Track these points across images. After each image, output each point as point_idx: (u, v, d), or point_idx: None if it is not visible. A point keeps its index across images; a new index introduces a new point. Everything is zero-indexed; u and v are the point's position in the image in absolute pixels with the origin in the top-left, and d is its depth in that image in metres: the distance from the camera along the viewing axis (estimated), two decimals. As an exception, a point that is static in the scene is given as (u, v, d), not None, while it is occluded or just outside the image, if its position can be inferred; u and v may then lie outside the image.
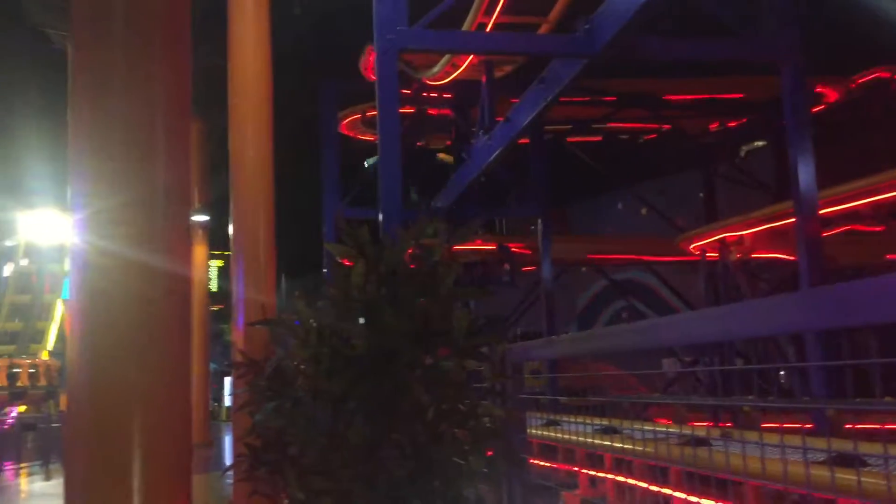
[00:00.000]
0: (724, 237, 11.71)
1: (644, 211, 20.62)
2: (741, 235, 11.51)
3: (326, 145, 17.17)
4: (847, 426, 6.85)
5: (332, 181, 16.92)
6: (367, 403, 2.69)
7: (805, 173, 8.30)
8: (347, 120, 17.74)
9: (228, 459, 21.51)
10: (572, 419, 5.73)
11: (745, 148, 19.08)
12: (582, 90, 15.43)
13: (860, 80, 16.74)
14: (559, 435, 7.18)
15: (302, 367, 2.87)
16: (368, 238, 2.93)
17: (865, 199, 10.33)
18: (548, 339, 3.16)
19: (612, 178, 19.05)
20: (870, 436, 6.08)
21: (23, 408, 25.26)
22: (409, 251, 2.99)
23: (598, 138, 18.82)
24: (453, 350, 2.84)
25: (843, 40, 16.29)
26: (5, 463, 20.07)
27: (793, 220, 9.00)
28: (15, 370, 28.31)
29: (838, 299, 1.64)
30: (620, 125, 18.26)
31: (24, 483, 17.52)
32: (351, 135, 18.29)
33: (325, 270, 18.43)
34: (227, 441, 28.98)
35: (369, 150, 16.94)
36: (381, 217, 7.94)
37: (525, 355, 3.50)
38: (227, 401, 49.55)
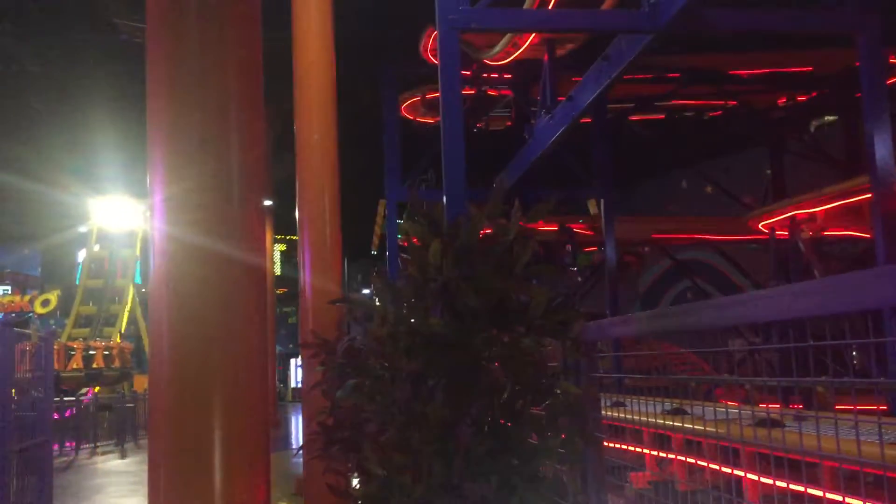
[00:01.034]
0: (795, 214, 11.40)
1: (709, 189, 20.22)
2: (813, 212, 11.20)
3: (388, 129, 17.24)
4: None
5: (394, 165, 17.00)
6: (446, 381, 2.71)
7: (882, 146, 8.02)
8: (407, 103, 17.78)
9: (295, 439, 21.96)
10: (639, 399, 5.68)
11: (814, 123, 18.53)
12: (645, 67, 15.17)
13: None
14: (626, 416, 7.11)
15: (377, 346, 2.90)
16: (443, 217, 2.94)
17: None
18: (625, 316, 3.13)
19: (676, 156, 18.72)
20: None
21: (98, 389, 26.15)
22: (484, 230, 3.00)
23: (662, 116, 18.49)
24: (530, 328, 2.83)
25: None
26: (83, 442, 20.83)
27: (868, 195, 8.72)
28: (90, 352, 29.30)
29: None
30: (685, 102, 17.89)
31: (100, 462, 18.17)
32: (411, 118, 18.32)
33: (387, 254, 18.55)
34: (294, 421, 29.58)
35: (430, 133, 16.96)
36: (444, 199, 7.94)
37: (600, 333, 3.47)
38: (294, 382, 50.51)
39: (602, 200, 13.71)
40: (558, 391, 2.94)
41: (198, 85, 3.69)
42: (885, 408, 7.80)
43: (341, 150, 10.59)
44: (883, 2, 8.73)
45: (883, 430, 2.22)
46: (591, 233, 15.83)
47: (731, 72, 16.25)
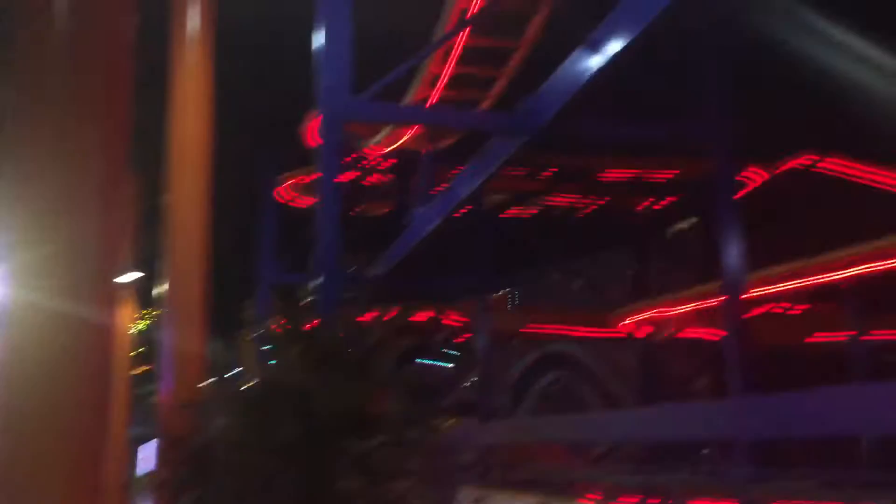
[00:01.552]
0: (653, 315, 11.92)
1: (577, 285, 20.90)
2: (669, 314, 11.74)
3: (265, 210, 17.04)
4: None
5: (268, 245, 16.74)
6: (296, 490, 2.61)
7: (732, 255, 8.55)
8: (286, 185, 17.69)
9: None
10: (502, 495, 5.67)
11: (676, 226, 19.60)
12: (521, 164, 15.72)
13: (784, 166, 17.47)
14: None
15: (225, 453, 2.77)
16: (301, 314, 2.89)
17: (789, 282, 10.69)
18: (483, 425, 3.12)
19: (547, 251, 19.31)
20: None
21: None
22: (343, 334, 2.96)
23: (534, 211, 19.12)
24: (388, 436, 2.79)
25: (769, 127, 17.07)
26: None
27: (720, 300, 9.23)
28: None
29: (768, 410, 1.66)
30: (556, 199, 18.61)
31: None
32: (287, 199, 18.20)
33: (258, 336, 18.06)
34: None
35: (306, 215, 16.86)
36: (315, 284, 7.87)
37: (461, 441, 3.46)
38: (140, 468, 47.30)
39: (477, 292, 13.92)
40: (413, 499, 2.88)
41: (55, 147, 3.53)
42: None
43: (214, 228, 10.33)
44: (738, 117, 9.43)
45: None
46: (464, 322, 15.98)
47: (600, 174, 17.10)
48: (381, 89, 8.60)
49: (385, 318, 2.99)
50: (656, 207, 18.88)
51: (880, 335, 11.13)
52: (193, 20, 9.13)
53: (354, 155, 14.70)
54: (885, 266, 9.45)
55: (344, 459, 2.78)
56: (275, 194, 17.41)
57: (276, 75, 13.94)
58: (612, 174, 17.15)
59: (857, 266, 9.85)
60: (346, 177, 16.53)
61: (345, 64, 7.74)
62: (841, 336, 10.59)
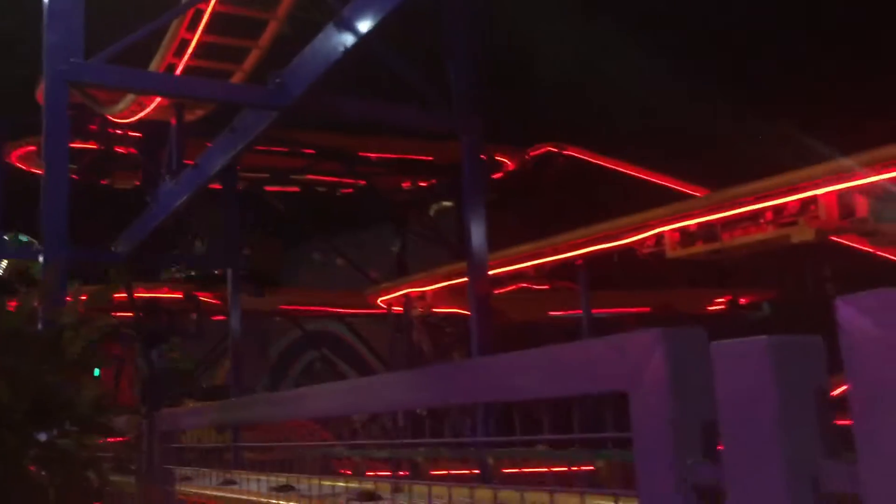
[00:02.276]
0: (408, 292, 12.21)
1: (340, 262, 20.93)
2: (423, 291, 12.08)
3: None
4: (504, 471, 7.37)
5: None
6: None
7: (477, 235, 8.91)
8: (19, 151, 16.08)
9: None
10: (250, 477, 5.51)
11: (434, 207, 20.20)
12: (280, 141, 15.44)
13: (534, 153, 18.61)
14: (234, 496, 6.89)
15: None
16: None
17: (531, 261, 11.39)
18: (196, 407, 3.00)
19: (309, 229, 19.17)
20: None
21: None
22: (35, 309, 2.70)
23: (296, 189, 18.91)
24: (79, 425, 2.58)
25: (522, 115, 18.07)
26: None
27: (466, 278, 9.62)
28: None
29: (442, 379, 1.71)
30: (318, 177, 18.51)
31: None
32: (24, 167, 16.58)
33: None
34: None
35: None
36: (41, 259, 7.23)
37: (174, 423, 3.29)
38: None
39: (230, 271, 13.48)
40: (112, 491, 2.70)
41: None
42: (478, 472, 8.44)
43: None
44: (484, 107, 9.82)
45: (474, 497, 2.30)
46: (219, 302, 15.44)
47: (361, 153, 17.21)
48: (122, 53, 8.00)
49: (82, 296, 2.75)
50: (417, 188, 19.36)
51: (607, 310, 12.19)
52: None
53: (98, 120, 13.66)
54: (611, 245, 10.32)
55: (31, 449, 2.54)
56: (7, 160, 15.79)
57: (10, 34, 12.63)
58: (373, 154, 17.32)
59: (589, 246, 10.67)
60: (90, 145, 15.35)
61: (74, 21, 7.12)
62: (576, 311, 11.44)
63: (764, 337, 1.03)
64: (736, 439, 1.07)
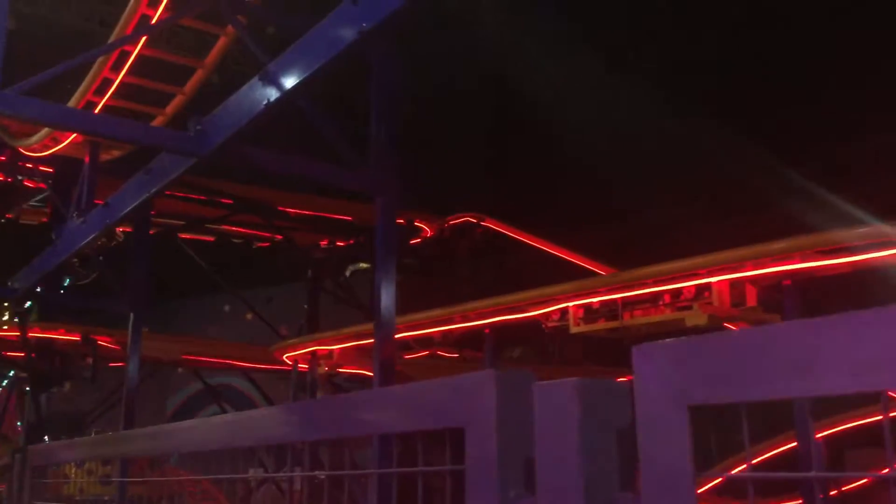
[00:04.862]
0: (315, 350, 12.12)
1: (249, 316, 20.63)
2: (330, 349, 12.02)
3: None
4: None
5: None
6: None
7: (386, 297, 8.97)
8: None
9: None
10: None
11: (350, 267, 20.22)
12: (198, 188, 15.31)
13: (452, 221, 18.94)
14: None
15: None
16: None
17: (439, 327, 11.50)
18: (72, 440, 2.95)
19: (221, 279, 18.88)
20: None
21: None
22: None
23: (212, 238, 18.68)
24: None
25: (443, 184, 18.45)
26: None
27: (373, 340, 9.63)
28: None
29: (310, 414, 1.78)
30: (235, 228, 18.36)
31: None
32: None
33: None
34: None
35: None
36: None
37: (49, 457, 3.22)
38: None
39: (132, 315, 13.13)
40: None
41: None
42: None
43: None
44: (402, 171, 10.01)
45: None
46: (118, 347, 14.97)
47: (280, 207, 17.18)
48: (42, 87, 7.92)
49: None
50: (335, 247, 19.36)
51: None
52: None
53: (9, 152, 13.31)
54: (518, 317, 10.53)
55: None
56: None
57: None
58: (292, 210, 17.32)
59: (497, 316, 10.86)
60: (-2, 177, 14.93)
61: (-9, 50, 7.04)
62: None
63: (573, 378, 1.15)
64: (548, 471, 1.18)
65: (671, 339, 1.05)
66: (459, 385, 1.34)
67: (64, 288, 15.29)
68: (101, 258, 13.47)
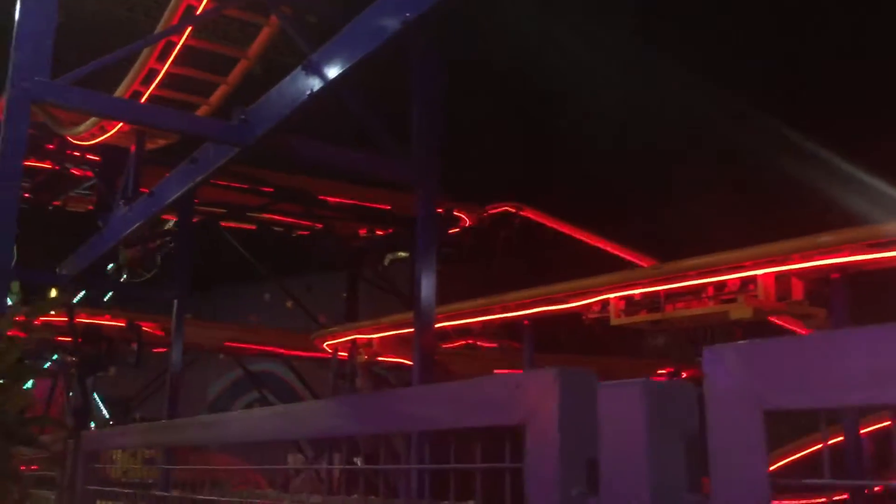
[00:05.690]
0: (355, 338, 12.20)
1: (290, 304, 20.81)
2: (370, 338, 12.08)
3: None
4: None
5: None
6: None
7: (426, 287, 8.98)
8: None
9: None
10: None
11: (389, 256, 20.30)
12: (240, 177, 15.47)
13: (492, 211, 18.90)
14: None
15: None
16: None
17: (478, 317, 11.49)
18: (125, 427, 3.01)
19: (262, 267, 19.08)
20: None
21: None
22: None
23: (253, 227, 18.87)
24: (3, 435, 2.58)
25: (483, 174, 18.40)
26: None
27: (413, 329, 9.66)
28: None
29: (360, 408, 1.78)
30: (275, 217, 18.52)
31: None
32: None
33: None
34: None
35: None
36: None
37: (101, 443, 3.29)
38: None
39: (175, 302, 13.34)
40: (28, 506, 2.69)
41: None
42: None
43: None
44: (442, 160, 10.00)
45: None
46: (161, 332, 15.21)
47: (320, 196, 17.29)
48: (90, 76, 8.05)
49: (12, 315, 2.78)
50: (374, 236, 19.45)
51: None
52: None
53: (57, 140, 13.57)
54: (558, 308, 10.48)
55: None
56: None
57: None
58: (332, 199, 17.42)
59: (536, 307, 10.82)
60: (46, 165, 15.22)
61: (44, 40, 7.16)
62: (519, 371, 11.51)
63: (641, 379, 1.14)
64: (613, 472, 1.17)
65: (743, 342, 1.03)
66: (521, 382, 1.33)
67: (109, 275, 15.55)
68: (159, 258, 13.72)
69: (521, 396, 1.32)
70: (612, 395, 1.19)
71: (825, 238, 7.82)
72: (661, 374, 14.53)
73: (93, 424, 14.83)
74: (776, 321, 9.59)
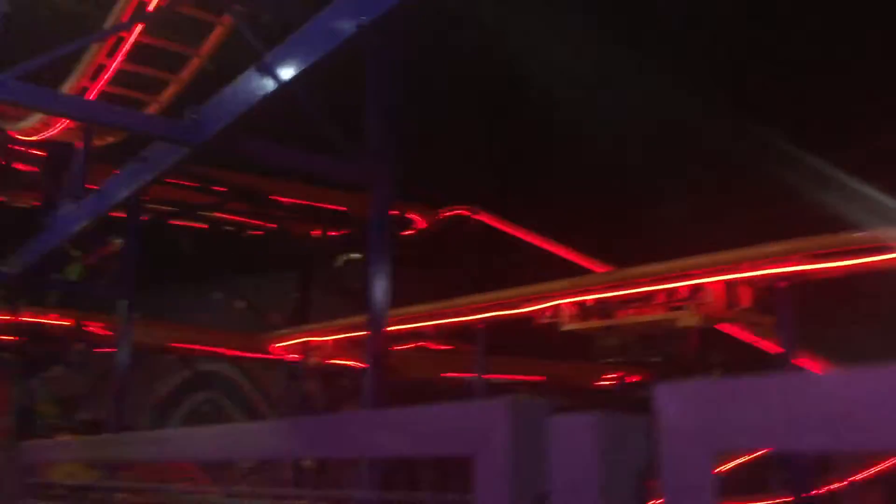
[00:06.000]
0: (307, 341, 12.09)
1: (240, 304, 20.57)
2: (322, 341, 11.98)
3: None
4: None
5: None
6: None
7: (379, 290, 8.92)
8: None
9: None
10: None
11: (342, 258, 20.14)
12: (192, 176, 15.22)
13: (445, 214, 18.88)
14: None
15: None
16: None
17: (431, 321, 11.48)
18: (64, 440, 2.92)
19: (213, 267, 18.80)
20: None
21: None
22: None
23: (205, 226, 18.57)
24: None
25: (436, 176, 18.35)
26: None
27: (365, 332, 9.59)
28: None
29: (306, 432, 1.74)
30: (227, 216, 18.26)
31: None
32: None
33: None
34: None
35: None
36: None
37: (40, 456, 3.18)
38: None
39: (122, 301, 13.05)
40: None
41: None
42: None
43: None
44: (396, 161, 9.93)
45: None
46: (109, 332, 14.88)
47: (272, 196, 17.10)
48: (38, 72, 7.83)
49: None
50: (327, 237, 19.29)
51: (498, 376, 12.34)
52: None
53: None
54: (511, 313, 10.52)
55: None
56: None
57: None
58: (285, 199, 17.25)
59: (490, 311, 10.85)
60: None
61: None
62: (469, 374, 11.54)
63: (593, 414, 1.12)
64: (562, 507, 1.15)
65: (696, 381, 1.02)
66: (469, 412, 1.31)
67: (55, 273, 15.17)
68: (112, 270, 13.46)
69: (471, 426, 1.29)
70: (564, 427, 1.17)
71: (773, 247, 7.98)
72: (610, 379, 14.68)
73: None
74: (724, 329, 9.75)
